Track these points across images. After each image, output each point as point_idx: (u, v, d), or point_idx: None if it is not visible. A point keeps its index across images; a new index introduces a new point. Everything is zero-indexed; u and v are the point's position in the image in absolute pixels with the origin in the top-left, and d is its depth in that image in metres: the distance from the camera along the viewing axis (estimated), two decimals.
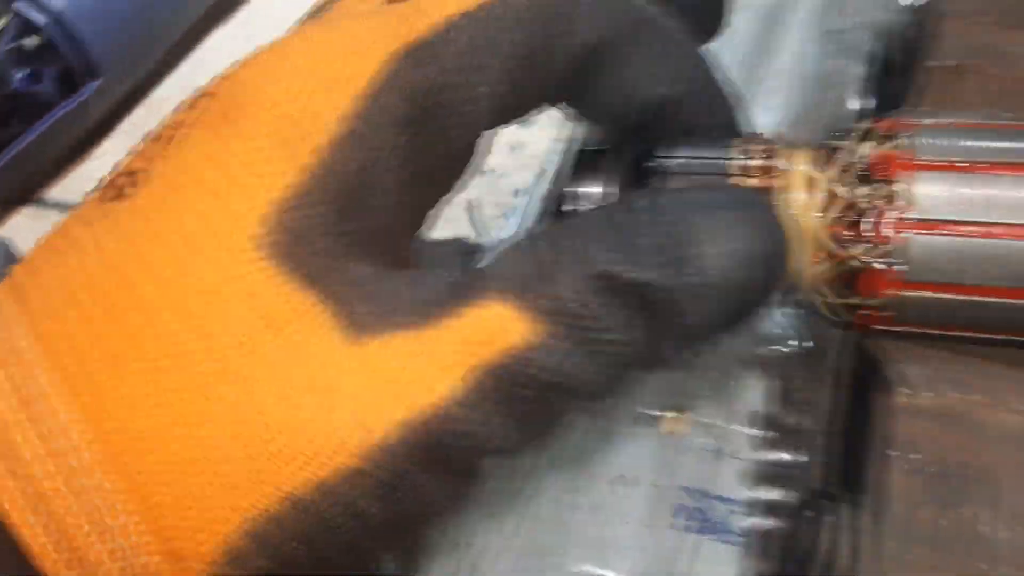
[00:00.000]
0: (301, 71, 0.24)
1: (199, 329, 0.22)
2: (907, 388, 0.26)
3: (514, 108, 0.27)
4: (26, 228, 0.45)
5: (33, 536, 0.21)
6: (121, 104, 0.49)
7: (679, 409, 0.32)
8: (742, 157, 0.29)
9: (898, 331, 0.28)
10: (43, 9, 0.43)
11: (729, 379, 0.33)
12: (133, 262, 0.23)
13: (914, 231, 0.27)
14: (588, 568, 0.29)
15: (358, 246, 0.24)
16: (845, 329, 0.30)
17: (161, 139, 0.24)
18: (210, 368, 0.22)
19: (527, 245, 0.24)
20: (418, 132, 0.25)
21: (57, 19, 0.44)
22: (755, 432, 0.31)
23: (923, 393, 0.26)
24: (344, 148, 0.24)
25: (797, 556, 0.27)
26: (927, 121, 0.28)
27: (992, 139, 0.28)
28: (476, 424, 0.22)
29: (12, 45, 0.43)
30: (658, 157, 0.29)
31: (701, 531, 0.30)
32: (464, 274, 0.24)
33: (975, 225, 0.27)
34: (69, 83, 0.45)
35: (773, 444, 0.31)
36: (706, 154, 0.29)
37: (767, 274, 0.24)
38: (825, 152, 0.29)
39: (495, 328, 0.22)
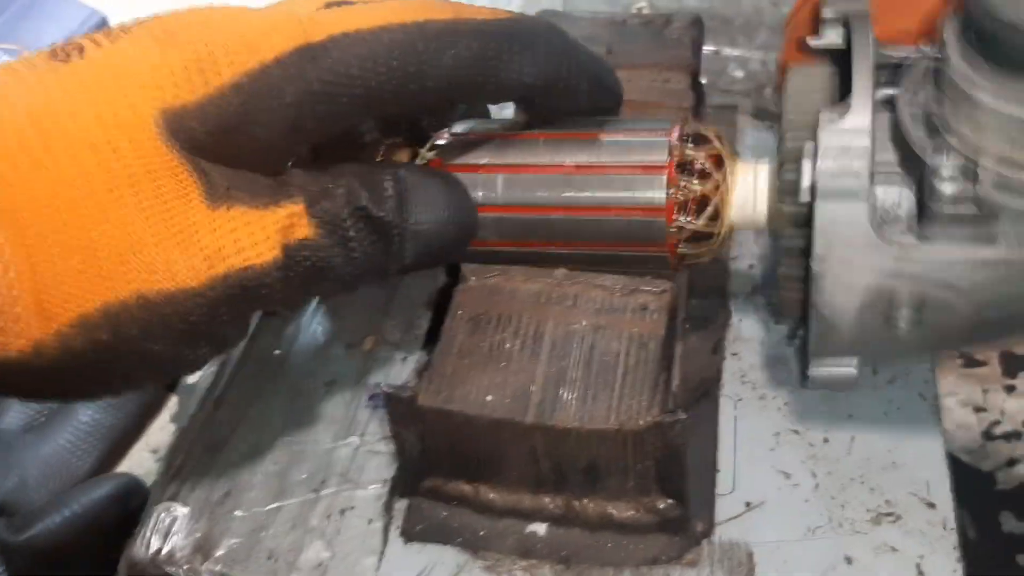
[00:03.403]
0: (222, 27, 0.32)
1: (102, 164, 0.30)
2: (464, 278, 0.42)
3: (384, 113, 0.36)
4: None
5: None
6: None
7: (376, 334, 0.48)
8: None
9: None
10: None
11: (412, 313, 0.49)
12: (66, 105, 0.30)
13: None
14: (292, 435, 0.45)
15: (229, 158, 0.32)
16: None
17: (110, 34, 0.32)
18: (105, 194, 0.30)
19: (333, 171, 0.35)
20: (293, 107, 0.32)
21: None
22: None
23: (471, 279, 0.42)
24: (229, 94, 0.31)
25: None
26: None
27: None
28: (276, 285, 0.32)
29: None
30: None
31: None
32: (285, 180, 0.34)
33: None
34: None
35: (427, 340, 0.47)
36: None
37: (459, 230, 0.38)
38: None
39: (296, 221, 0.33)
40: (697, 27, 0.53)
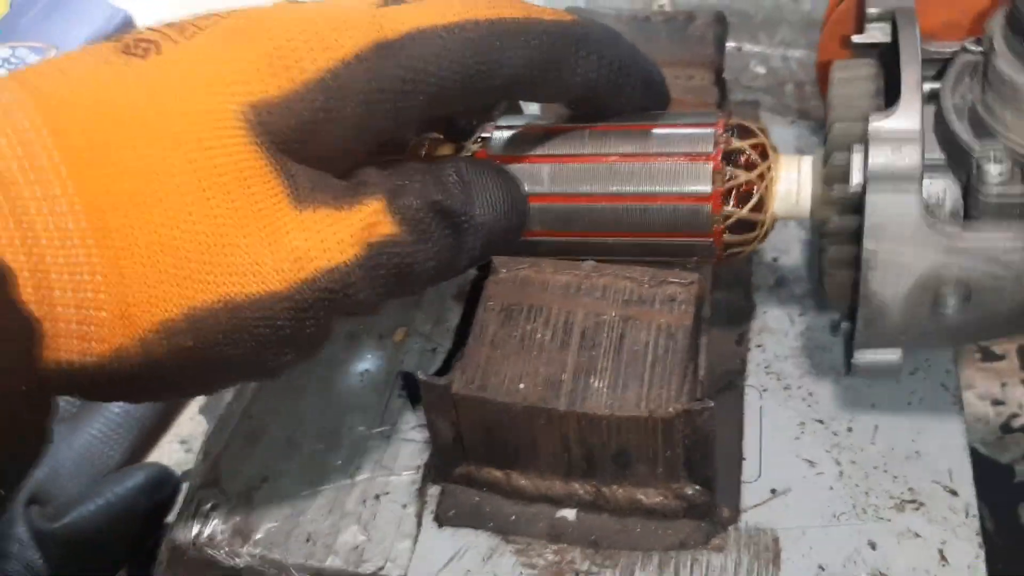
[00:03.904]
0: (297, 22, 0.32)
1: (191, 161, 0.29)
2: (495, 270, 0.43)
3: (447, 111, 0.36)
4: None
5: (22, 279, 0.26)
6: None
7: (406, 326, 0.49)
8: None
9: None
10: None
11: (441, 306, 0.50)
12: (149, 100, 0.29)
13: None
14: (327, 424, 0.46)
15: (307, 157, 0.32)
16: None
17: (184, 30, 0.31)
18: (196, 192, 0.28)
19: (399, 168, 0.35)
20: (370, 104, 0.32)
21: None
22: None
23: (502, 271, 0.43)
24: (314, 90, 0.31)
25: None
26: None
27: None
28: (360, 285, 0.31)
29: None
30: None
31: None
32: (360, 179, 0.33)
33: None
34: None
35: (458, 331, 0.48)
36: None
37: (516, 220, 0.39)
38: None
39: (379, 220, 0.32)
40: (720, 24, 0.54)
